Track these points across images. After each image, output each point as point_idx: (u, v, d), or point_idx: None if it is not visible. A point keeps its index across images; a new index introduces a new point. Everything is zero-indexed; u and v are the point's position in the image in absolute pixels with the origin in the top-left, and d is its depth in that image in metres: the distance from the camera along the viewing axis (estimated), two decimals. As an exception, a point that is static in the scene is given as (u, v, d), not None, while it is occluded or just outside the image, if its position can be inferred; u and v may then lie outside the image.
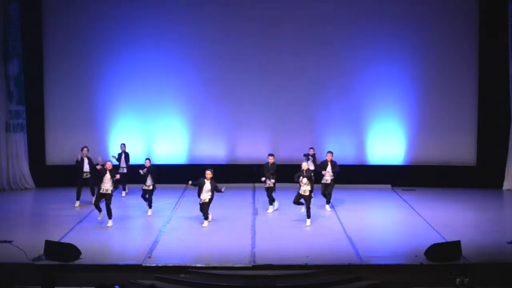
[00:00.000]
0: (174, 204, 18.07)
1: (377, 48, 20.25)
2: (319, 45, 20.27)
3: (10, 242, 14.03)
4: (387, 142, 20.44)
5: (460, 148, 20.50)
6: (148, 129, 20.52)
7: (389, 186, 20.26)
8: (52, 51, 20.20)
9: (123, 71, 20.32)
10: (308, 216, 15.98)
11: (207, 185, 15.70)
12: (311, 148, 19.08)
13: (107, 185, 15.64)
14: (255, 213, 17.13)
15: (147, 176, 16.70)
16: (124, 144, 19.10)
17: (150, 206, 16.86)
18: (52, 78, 20.27)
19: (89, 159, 17.99)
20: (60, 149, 20.38)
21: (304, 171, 15.88)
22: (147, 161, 16.97)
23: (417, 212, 17.21)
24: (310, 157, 18.71)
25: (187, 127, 20.55)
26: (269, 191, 17.20)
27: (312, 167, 18.00)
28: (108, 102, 20.43)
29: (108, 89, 20.39)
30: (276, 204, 17.43)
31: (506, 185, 20.03)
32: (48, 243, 13.28)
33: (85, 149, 17.94)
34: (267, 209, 17.29)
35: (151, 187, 16.77)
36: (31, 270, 12.65)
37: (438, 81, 20.38)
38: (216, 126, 20.58)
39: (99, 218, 15.94)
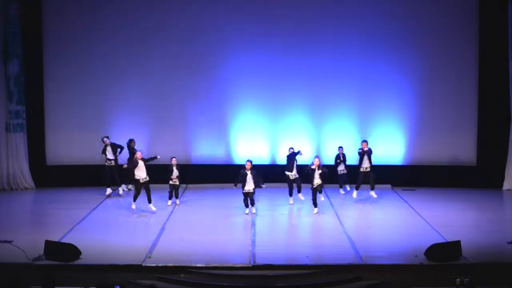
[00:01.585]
0: (174, 204, 18.04)
1: (376, 48, 20.22)
2: (319, 46, 20.25)
3: (10, 242, 14.03)
4: (387, 142, 20.42)
5: (460, 148, 20.49)
6: (148, 129, 20.51)
7: (389, 186, 20.25)
8: (52, 51, 20.19)
9: (123, 70, 20.29)
10: (315, 205, 16.85)
11: (249, 175, 16.59)
12: (340, 147, 19.24)
13: (143, 173, 16.75)
14: (255, 213, 17.11)
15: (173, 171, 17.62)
16: (132, 140, 19.23)
17: (177, 197, 17.96)
18: (52, 78, 20.26)
19: (112, 147, 18.65)
20: (60, 149, 20.38)
21: (316, 166, 16.74)
22: (174, 159, 17.71)
23: (417, 212, 17.20)
24: (340, 157, 19.12)
25: (187, 126, 20.54)
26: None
27: (342, 167, 19.07)
28: (108, 102, 20.40)
29: (109, 88, 20.36)
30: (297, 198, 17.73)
31: (506, 185, 20.01)
32: (48, 243, 13.28)
33: (106, 138, 18.69)
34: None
35: (177, 182, 17.63)
36: (31, 270, 12.65)
37: (438, 81, 20.37)
38: (216, 126, 20.58)
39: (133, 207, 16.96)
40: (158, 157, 17.67)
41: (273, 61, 20.34)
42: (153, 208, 16.97)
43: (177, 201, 17.98)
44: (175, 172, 17.70)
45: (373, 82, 20.39)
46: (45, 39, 20.17)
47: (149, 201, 16.97)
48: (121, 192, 18.92)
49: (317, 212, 16.84)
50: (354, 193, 18.37)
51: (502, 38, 19.63)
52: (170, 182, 17.73)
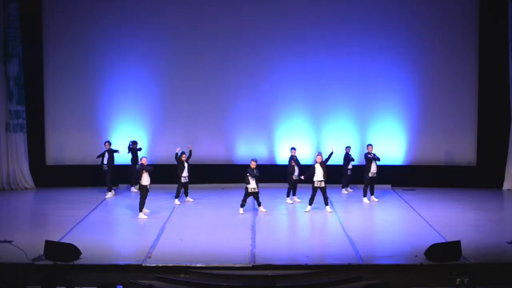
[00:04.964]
0: (174, 204, 18.04)
1: (377, 48, 20.24)
2: (319, 46, 20.26)
3: (10, 242, 14.03)
4: (387, 142, 20.42)
5: (460, 148, 20.50)
6: (148, 129, 20.51)
7: (389, 186, 20.25)
8: (52, 51, 20.20)
9: (123, 70, 20.30)
10: (327, 203, 17.02)
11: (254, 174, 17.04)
12: (348, 147, 19.38)
13: (148, 179, 16.60)
14: (255, 213, 17.12)
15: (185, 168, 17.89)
16: (135, 142, 19.41)
17: (186, 194, 18.31)
18: (52, 78, 20.27)
19: (110, 153, 18.69)
20: (60, 149, 20.40)
21: (319, 163, 16.90)
22: (184, 155, 17.86)
23: (417, 212, 17.21)
24: (349, 157, 19.24)
25: (187, 127, 20.54)
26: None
27: (351, 167, 19.24)
28: (108, 102, 20.42)
29: (108, 89, 20.37)
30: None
31: (506, 185, 20.02)
32: (48, 243, 13.29)
33: (107, 143, 18.82)
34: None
35: (188, 179, 17.92)
36: (31, 270, 12.64)
37: (438, 81, 20.39)
38: (215, 126, 20.58)
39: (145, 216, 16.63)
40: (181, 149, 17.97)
41: (271, 60, 20.36)
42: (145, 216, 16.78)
43: (189, 198, 18.24)
44: (186, 168, 17.82)
45: (373, 82, 20.39)
46: (45, 39, 20.18)
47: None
48: (109, 195, 18.89)
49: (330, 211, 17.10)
50: (366, 199, 18.30)
51: (502, 38, 19.63)
52: (184, 180, 17.83)
